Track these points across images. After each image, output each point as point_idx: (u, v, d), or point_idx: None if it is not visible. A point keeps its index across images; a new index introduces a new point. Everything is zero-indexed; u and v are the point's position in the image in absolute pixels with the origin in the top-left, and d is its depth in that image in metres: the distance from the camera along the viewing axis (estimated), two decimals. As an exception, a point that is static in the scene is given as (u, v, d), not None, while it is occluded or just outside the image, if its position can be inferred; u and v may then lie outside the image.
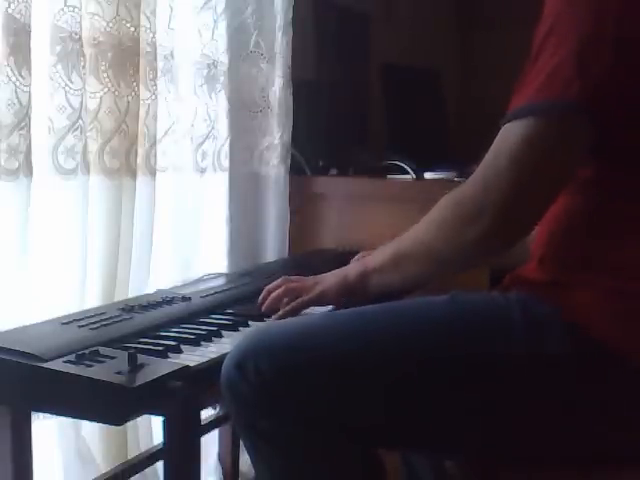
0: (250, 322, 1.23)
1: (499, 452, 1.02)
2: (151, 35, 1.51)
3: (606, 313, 0.96)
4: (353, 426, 1.00)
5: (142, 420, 1.55)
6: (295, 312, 1.22)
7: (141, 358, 0.96)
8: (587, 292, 0.97)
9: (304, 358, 0.99)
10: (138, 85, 1.47)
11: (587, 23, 0.96)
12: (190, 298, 1.34)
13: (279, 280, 1.27)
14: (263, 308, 1.26)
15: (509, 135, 0.98)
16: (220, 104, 1.78)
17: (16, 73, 1.20)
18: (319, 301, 1.21)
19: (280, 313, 1.22)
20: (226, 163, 1.81)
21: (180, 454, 1.03)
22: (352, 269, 1.19)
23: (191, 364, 1.00)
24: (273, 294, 1.25)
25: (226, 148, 1.80)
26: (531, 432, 0.99)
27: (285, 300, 1.23)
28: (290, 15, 1.93)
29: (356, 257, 1.38)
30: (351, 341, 1.01)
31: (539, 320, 0.97)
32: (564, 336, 0.96)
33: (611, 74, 0.94)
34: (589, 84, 0.94)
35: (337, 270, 1.23)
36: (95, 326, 1.12)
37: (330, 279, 1.21)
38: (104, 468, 1.46)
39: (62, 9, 1.31)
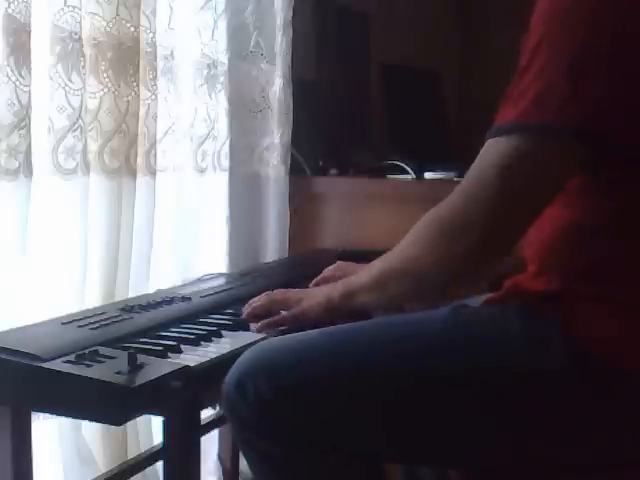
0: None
1: (499, 465, 1.02)
2: (151, 35, 1.51)
3: (606, 326, 0.94)
4: (352, 444, 0.99)
5: (142, 420, 1.55)
6: (274, 326, 1.18)
7: (141, 358, 0.96)
8: (586, 304, 0.96)
9: (303, 378, 0.98)
10: (138, 85, 1.47)
11: (580, 37, 0.92)
12: (190, 298, 1.34)
13: (262, 294, 1.24)
14: (243, 315, 1.23)
15: (497, 150, 0.94)
16: (220, 104, 1.78)
17: (16, 73, 1.20)
18: (299, 319, 1.16)
19: (258, 325, 1.19)
20: (226, 163, 1.81)
21: (180, 454, 1.03)
22: (336, 290, 1.13)
23: (191, 364, 1.00)
24: (253, 304, 1.23)
25: (226, 148, 1.80)
26: (531, 446, 0.98)
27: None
28: (290, 15, 1.93)
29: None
30: (350, 360, 1.00)
31: (538, 334, 0.96)
32: (564, 350, 0.94)
33: (606, 90, 0.91)
34: (585, 104, 0.90)
35: (323, 287, 1.19)
36: (95, 326, 1.12)
37: (314, 298, 1.16)
38: (104, 468, 1.46)
39: (62, 9, 1.31)
